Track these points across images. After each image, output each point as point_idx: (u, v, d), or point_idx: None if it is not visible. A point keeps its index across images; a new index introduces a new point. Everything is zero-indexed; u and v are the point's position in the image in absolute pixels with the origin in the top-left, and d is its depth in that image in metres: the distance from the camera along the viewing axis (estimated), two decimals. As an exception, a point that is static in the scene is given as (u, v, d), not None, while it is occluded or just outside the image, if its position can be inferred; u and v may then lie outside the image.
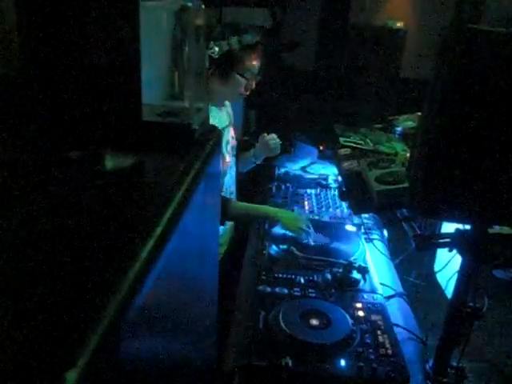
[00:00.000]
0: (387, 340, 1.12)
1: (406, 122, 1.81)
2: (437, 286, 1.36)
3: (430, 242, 1.07)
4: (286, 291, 1.30)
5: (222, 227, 1.85)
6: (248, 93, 1.69)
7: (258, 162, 1.98)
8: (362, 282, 1.36)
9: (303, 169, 2.41)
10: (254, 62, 1.62)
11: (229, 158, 1.78)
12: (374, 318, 1.21)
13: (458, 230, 1.01)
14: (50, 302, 0.36)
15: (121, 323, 0.36)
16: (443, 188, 0.88)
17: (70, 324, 0.33)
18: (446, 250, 1.06)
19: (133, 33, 0.67)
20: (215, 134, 0.82)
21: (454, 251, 1.04)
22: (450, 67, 0.82)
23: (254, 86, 1.68)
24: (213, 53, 1.50)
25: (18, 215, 0.49)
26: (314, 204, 1.92)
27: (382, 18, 5.32)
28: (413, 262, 1.56)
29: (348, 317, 1.18)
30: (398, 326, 1.24)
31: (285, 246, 1.53)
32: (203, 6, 0.73)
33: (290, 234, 1.61)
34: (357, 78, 4.94)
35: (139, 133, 0.71)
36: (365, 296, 1.31)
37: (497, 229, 0.98)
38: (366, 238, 1.70)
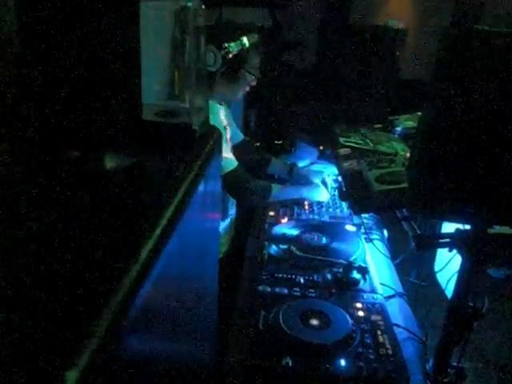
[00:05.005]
0: (387, 340, 1.12)
1: (406, 122, 1.81)
2: (437, 285, 1.36)
3: (430, 242, 1.07)
4: (286, 291, 1.30)
5: (222, 227, 1.86)
6: (249, 89, 1.80)
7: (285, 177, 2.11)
8: (362, 281, 1.36)
9: (303, 169, 2.41)
10: (258, 59, 1.74)
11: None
12: (373, 318, 1.21)
13: (458, 229, 1.01)
14: (49, 302, 0.36)
15: (121, 323, 0.36)
16: (443, 188, 0.88)
17: (70, 324, 0.33)
18: (446, 249, 1.06)
19: (133, 33, 0.67)
20: (215, 133, 0.82)
21: (454, 251, 1.04)
22: (450, 67, 0.82)
23: (255, 82, 1.78)
24: (227, 53, 1.58)
25: (18, 215, 0.49)
26: (314, 204, 1.92)
27: (382, 18, 5.32)
28: (413, 262, 1.56)
29: (348, 317, 1.18)
30: (398, 326, 1.24)
31: (285, 246, 1.53)
32: (203, 6, 0.73)
33: (290, 233, 1.61)
34: (357, 78, 4.94)
35: (139, 133, 0.71)
36: (365, 296, 1.30)
37: (497, 229, 0.98)
38: (366, 238, 1.69)
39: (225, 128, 1.80)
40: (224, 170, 1.65)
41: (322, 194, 1.92)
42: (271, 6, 3.95)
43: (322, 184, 1.99)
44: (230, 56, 1.60)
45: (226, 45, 1.58)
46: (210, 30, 1.60)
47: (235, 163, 1.72)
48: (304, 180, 2.02)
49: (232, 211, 1.96)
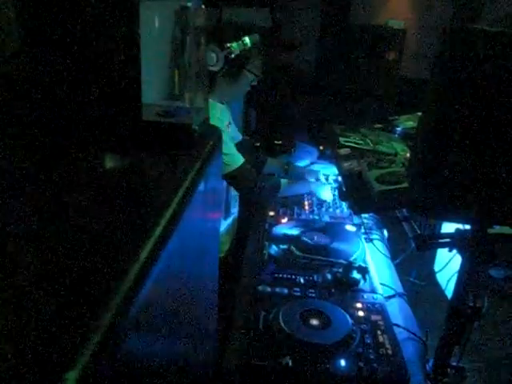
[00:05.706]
0: (387, 340, 1.12)
1: (406, 122, 1.81)
2: (437, 285, 1.36)
3: (430, 242, 1.07)
4: (286, 291, 1.30)
5: (224, 226, 1.87)
6: (249, 89, 1.81)
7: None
8: (362, 281, 1.36)
9: (303, 169, 2.41)
10: (259, 59, 1.74)
11: None
12: (374, 317, 1.21)
13: (458, 229, 1.01)
14: (50, 302, 0.36)
15: (121, 323, 0.36)
16: (443, 188, 0.88)
17: (70, 324, 0.33)
18: (446, 249, 1.06)
19: (133, 33, 0.67)
20: (215, 133, 0.82)
21: (454, 251, 1.04)
22: (450, 67, 0.82)
23: (256, 82, 1.79)
24: (230, 53, 1.59)
25: (18, 215, 0.49)
26: (314, 204, 1.92)
27: (382, 17, 5.32)
28: (413, 262, 1.56)
29: (348, 317, 1.18)
30: (398, 326, 1.24)
31: (285, 246, 1.53)
32: (203, 6, 0.73)
33: (290, 233, 1.61)
34: (357, 78, 4.94)
35: (139, 133, 0.71)
36: (365, 296, 1.31)
37: (497, 229, 0.98)
38: (366, 238, 1.70)
39: (227, 126, 1.81)
40: (232, 167, 1.65)
41: (327, 192, 1.93)
42: (271, 6, 3.95)
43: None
44: (232, 56, 1.60)
45: (228, 45, 1.59)
46: (212, 30, 1.61)
47: (242, 160, 1.71)
48: (300, 177, 2.04)
49: (234, 210, 1.96)
